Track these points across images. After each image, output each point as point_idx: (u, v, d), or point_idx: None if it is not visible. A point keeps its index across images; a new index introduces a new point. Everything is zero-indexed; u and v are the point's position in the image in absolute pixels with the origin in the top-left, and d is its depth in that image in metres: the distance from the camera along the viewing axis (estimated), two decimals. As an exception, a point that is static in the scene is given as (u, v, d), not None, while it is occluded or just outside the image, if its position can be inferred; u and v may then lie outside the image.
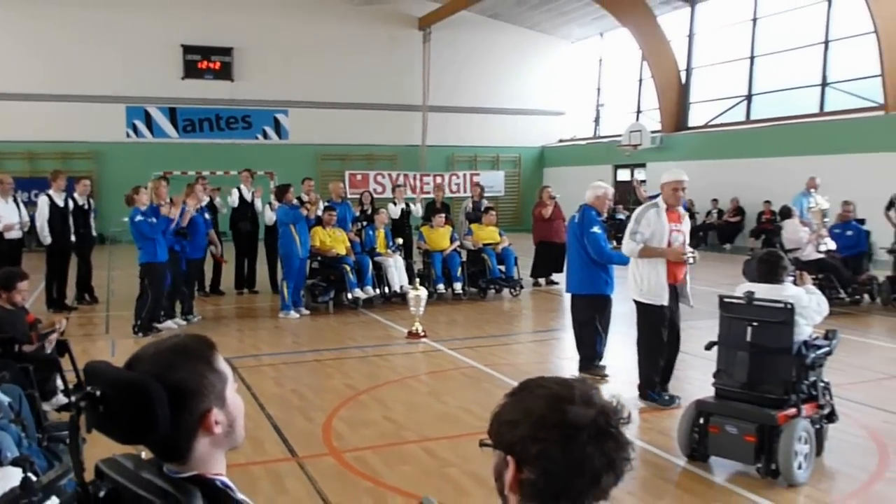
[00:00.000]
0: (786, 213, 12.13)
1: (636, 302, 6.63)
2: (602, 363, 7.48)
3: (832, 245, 11.33)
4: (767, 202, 19.77)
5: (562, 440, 1.32)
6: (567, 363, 8.07)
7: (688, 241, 6.75)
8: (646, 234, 6.46)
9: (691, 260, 6.50)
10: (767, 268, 5.31)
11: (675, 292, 6.57)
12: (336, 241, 11.77)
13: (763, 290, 5.15)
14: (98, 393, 1.44)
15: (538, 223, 13.92)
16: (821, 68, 20.63)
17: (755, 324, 5.04)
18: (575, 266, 7.46)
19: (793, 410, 4.89)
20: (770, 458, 4.80)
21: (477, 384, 7.35)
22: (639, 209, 6.67)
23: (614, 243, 7.88)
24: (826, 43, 20.52)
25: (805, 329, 5.14)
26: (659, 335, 6.46)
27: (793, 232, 11.76)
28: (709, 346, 5.32)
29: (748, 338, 5.05)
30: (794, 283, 5.44)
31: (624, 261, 7.12)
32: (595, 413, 1.34)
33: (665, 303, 6.43)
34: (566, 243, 7.80)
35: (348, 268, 11.56)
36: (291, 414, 6.41)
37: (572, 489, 1.33)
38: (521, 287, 13.15)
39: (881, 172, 16.31)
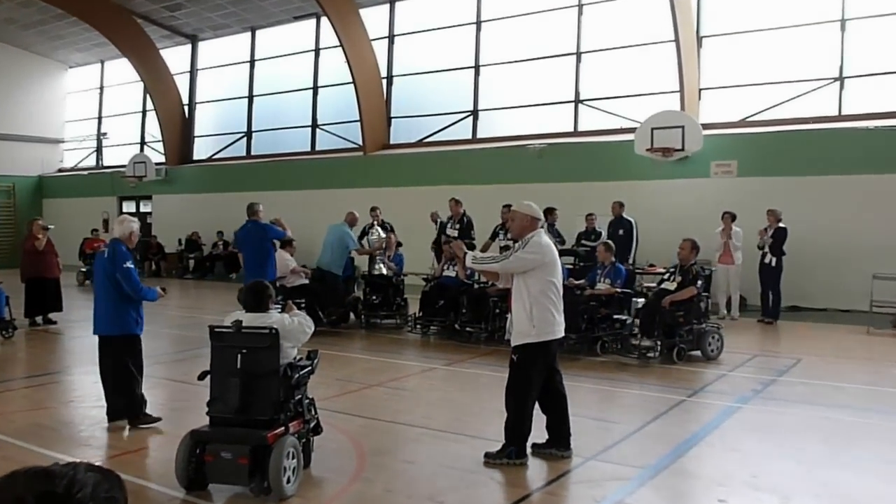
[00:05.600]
0: (286, 243, 12.68)
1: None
2: (149, 411, 6.89)
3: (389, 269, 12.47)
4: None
5: None
6: (69, 408, 7.46)
7: None
8: None
9: None
10: (254, 297, 5.48)
11: None
12: None
13: (250, 319, 5.30)
14: None
15: (28, 257, 12.55)
16: (311, 111, 22.26)
17: (244, 351, 5.16)
18: (103, 305, 6.83)
19: (281, 429, 5.09)
20: (263, 476, 4.94)
21: (-52, 443, 6.30)
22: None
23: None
24: (315, 89, 22.21)
25: (290, 351, 5.40)
26: None
27: (280, 261, 12.32)
28: (202, 376, 5.29)
29: (239, 364, 5.14)
30: (282, 310, 5.69)
31: (155, 297, 6.81)
32: None
33: None
34: (94, 281, 7.10)
35: None
36: None
37: None
38: (15, 328, 11.72)
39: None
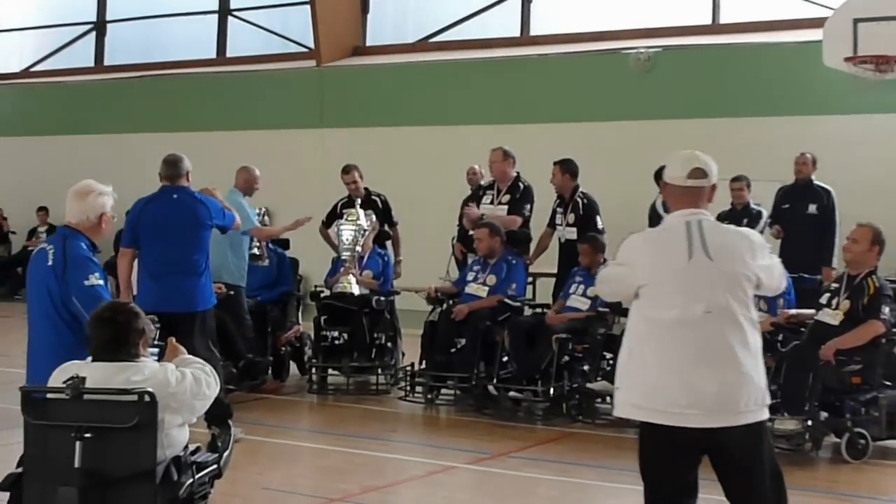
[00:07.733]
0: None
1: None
2: None
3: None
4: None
5: None
6: None
7: None
8: None
9: None
10: (112, 333, 5.37)
11: None
12: None
13: (103, 374, 5.20)
14: None
15: None
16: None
17: (89, 434, 5.06)
18: (42, 348, 6.71)
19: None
20: None
21: None
22: None
23: None
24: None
25: (177, 434, 5.31)
26: None
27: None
28: (6, 484, 5.23)
29: (77, 460, 5.06)
30: (160, 356, 5.59)
31: None
32: None
33: None
34: (28, 305, 6.96)
35: None
36: None
37: None
38: None
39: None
